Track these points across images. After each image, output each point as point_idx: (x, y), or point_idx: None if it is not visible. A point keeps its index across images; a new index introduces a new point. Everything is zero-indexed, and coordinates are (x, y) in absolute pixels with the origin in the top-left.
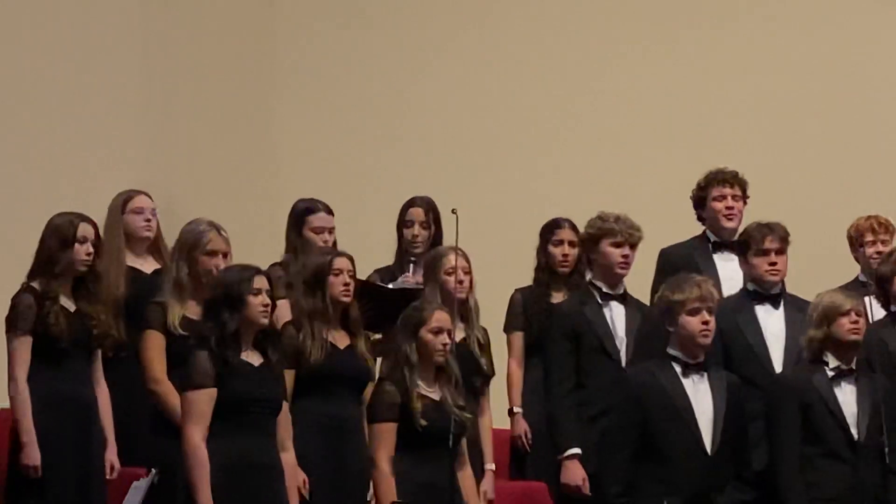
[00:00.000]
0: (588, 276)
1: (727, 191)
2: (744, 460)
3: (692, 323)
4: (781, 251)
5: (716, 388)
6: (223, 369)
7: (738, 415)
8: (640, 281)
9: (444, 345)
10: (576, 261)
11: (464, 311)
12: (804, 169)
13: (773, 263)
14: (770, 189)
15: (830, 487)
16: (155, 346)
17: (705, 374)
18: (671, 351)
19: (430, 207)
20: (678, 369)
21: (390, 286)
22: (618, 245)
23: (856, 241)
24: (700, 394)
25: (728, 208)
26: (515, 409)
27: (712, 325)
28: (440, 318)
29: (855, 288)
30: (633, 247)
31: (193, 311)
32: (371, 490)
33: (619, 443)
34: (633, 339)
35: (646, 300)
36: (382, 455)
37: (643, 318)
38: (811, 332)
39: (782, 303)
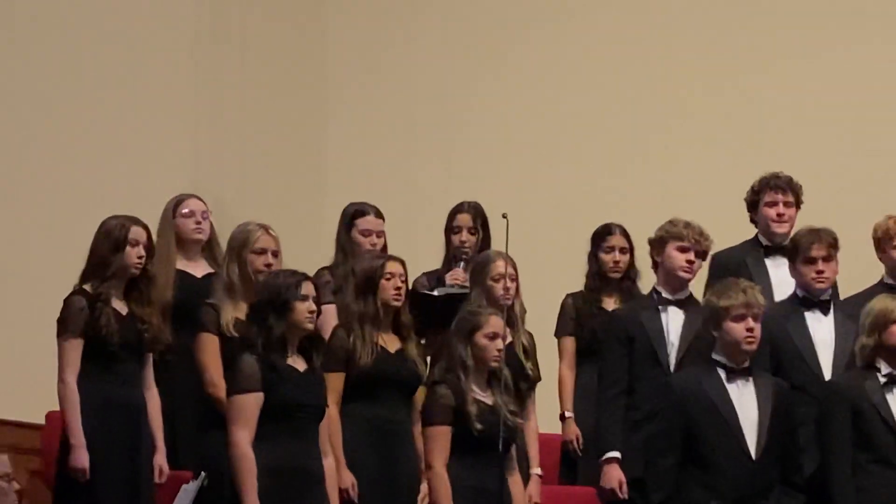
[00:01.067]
0: (644, 281)
1: (779, 196)
2: (792, 465)
3: (736, 329)
4: (829, 258)
5: (761, 394)
6: (270, 374)
7: (784, 420)
8: (696, 285)
9: (499, 350)
10: (627, 267)
11: (510, 316)
12: (858, 172)
13: (821, 271)
14: (824, 193)
15: (881, 493)
16: (210, 349)
17: (750, 380)
18: (716, 356)
19: (477, 213)
20: (723, 375)
21: (435, 292)
22: (683, 250)
23: (882, 243)
24: (745, 399)
25: (779, 214)
26: (567, 414)
27: (757, 331)
28: (495, 323)
29: (881, 290)
30: (699, 254)
31: (245, 311)
32: (421, 493)
33: (663, 448)
34: (685, 345)
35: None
36: (438, 458)
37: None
38: (863, 340)
39: (831, 309)
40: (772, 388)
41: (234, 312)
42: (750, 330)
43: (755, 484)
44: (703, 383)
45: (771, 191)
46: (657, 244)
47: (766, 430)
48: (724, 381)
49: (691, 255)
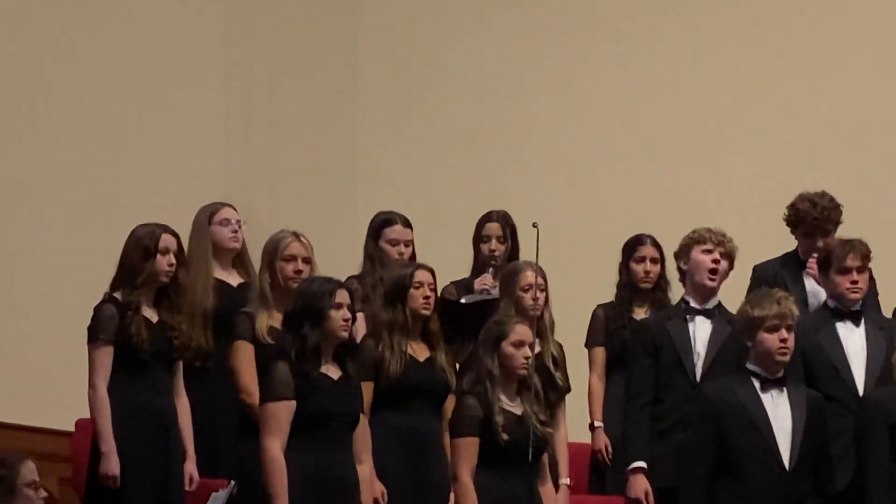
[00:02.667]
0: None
1: (817, 230)
2: (825, 477)
3: (770, 340)
4: (863, 269)
5: (795, 404)
6: (303, 382)
7: (818, 431)
8: (736, 297)
9: (526, 358)
10: (657, 277)
11: (539, 326)
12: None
13: (855, 282)
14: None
15: None
16: (245, 357)
17: (784, 390)
18: (750, 366)
19: (506, 222)
20: (757, 385)
21: (463, 300)
22: (707, 252)
23: None
24: (779, 409)
25: (816, 248)
26: (596, 424)
27: (791, 342)
28: (522, 331)
29: None
30: (724, 256)
31: (279, 320)
32: (451, 502)
33: (696, 458)
34: (712, 355)
35: None
36: (464, 469)
37: (731, 333)
38: None
39: (863, 320)
40: (805, 398)
41: (268, 320)
42: (783, 341)
43: (788, 495)
44: (738, 393)
45: (807, 225)
46: (682, 253)
47: (800, 440)
48: (759, 391)
49: (717, 256)
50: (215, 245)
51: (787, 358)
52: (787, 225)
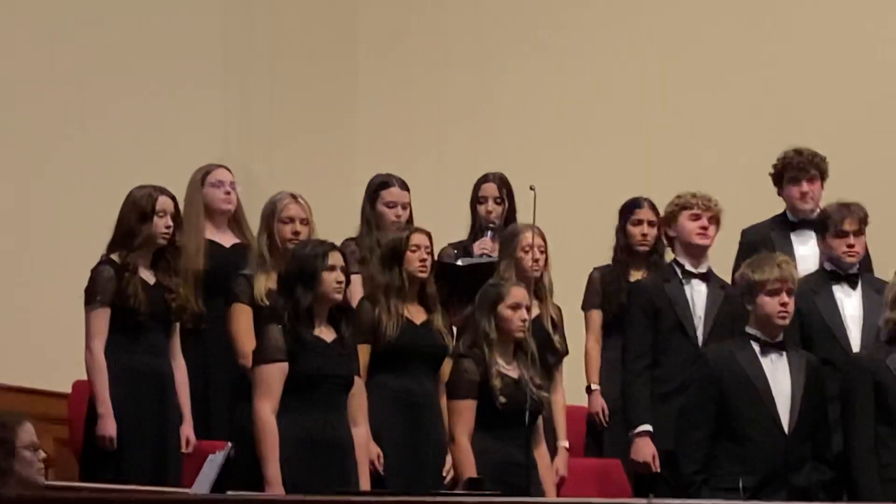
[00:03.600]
0: (672, 256)
1: (801, 174)
2: (823, 441)
3: (771, 304)
4: (859, 232)
5: (794, 368)
6: (295, 344)
7: (816, 395)
8: (724, 262)
9: (523, 320)
10: (655, 240)
11: (538, 288)
12: (886, 147)
13: (851, 245)
14: (851, 166)
15: None
16: (243, 320)
17: (784, 354)
18: (750, 330)
19: (503, 183)
20: (757, 348)
21: (459, 262)
22: (695, 217)
23: None
24: (778, 373)
25: (802, 193)
26: (593, 387)
27: (791, 306)
28: (518, 293)
29: None
30: (711, 220)
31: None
32: (446, 465)
33: (697, 421)
34: (711, 319)
35: (729, 280)
36: (462, 431)
37: (725, 297)
38: (887, 314)
39: (860, 283)
40: (804, 362)
41: (267, 283)
42: (784, 305)
43: (788, 458)
44: (737, 356)
45: (793, 169)
46: (669, 219)
47: (799, 404)
48: (759, 355)
49: (704, 222)
50: (208, 206)
51: (787, 321)
52: (775, 183)
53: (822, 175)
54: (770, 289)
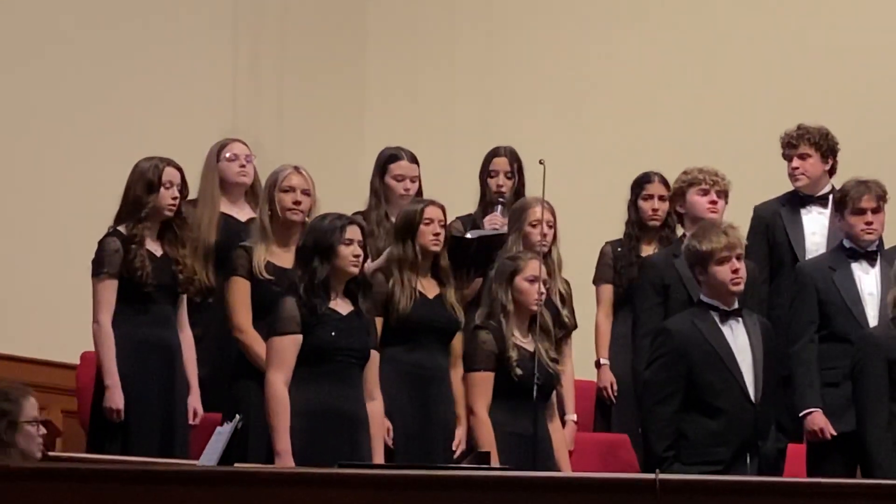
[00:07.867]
0: (682, 231)
1: (792, 151)
2: (781, 406)
3: (722, 272)
4: (878, 210)
5: (752, 333)
6: (310, 316)
7: (774, 358)
8: None
9: (540, 294)
10: (666, 215)
11: (547, 263)
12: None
13: (870, 223)
14: (865, 143)
15: None
16: (240, 293)
17: (741, 320)
18: (705, 299)
19: (513, 157)
20: (716, 317)
21: (469, 235)
22: (704, 192)
23: None
24: (739, 340)
25: (794, 169)
26: (602, 361)
27: (743, 272)
28: (535, 267)
29: None
30: (720, 194)
31: (278, 255)
32: (456, 439)
33: (665, 396)
34: None
35: None
36: (480, 403)
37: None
38: (895, 291)
39: (878, 260)
40: (760, 327)
41: (266, 255)
42: (735, 271)
43: (757, 427)
44: (700, 328)
45: (785, 147)
46: (677, 196)
47: (762, 372)
48: (719, 324)
49: (713, 196)
50: (223, 180)
51: (741, 287)
52: (785, 157)
53: (822, 149)
54: (720, 257)
